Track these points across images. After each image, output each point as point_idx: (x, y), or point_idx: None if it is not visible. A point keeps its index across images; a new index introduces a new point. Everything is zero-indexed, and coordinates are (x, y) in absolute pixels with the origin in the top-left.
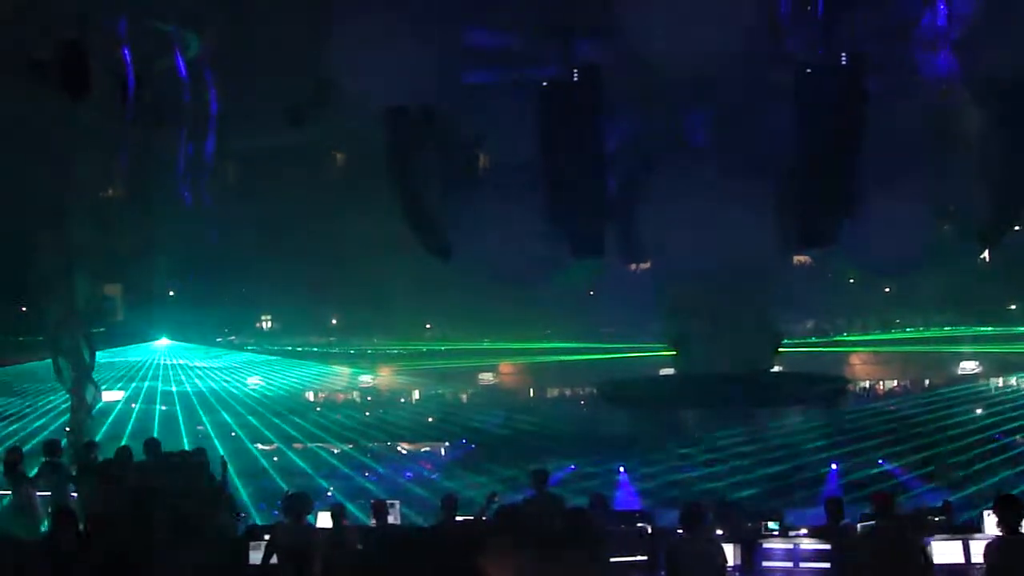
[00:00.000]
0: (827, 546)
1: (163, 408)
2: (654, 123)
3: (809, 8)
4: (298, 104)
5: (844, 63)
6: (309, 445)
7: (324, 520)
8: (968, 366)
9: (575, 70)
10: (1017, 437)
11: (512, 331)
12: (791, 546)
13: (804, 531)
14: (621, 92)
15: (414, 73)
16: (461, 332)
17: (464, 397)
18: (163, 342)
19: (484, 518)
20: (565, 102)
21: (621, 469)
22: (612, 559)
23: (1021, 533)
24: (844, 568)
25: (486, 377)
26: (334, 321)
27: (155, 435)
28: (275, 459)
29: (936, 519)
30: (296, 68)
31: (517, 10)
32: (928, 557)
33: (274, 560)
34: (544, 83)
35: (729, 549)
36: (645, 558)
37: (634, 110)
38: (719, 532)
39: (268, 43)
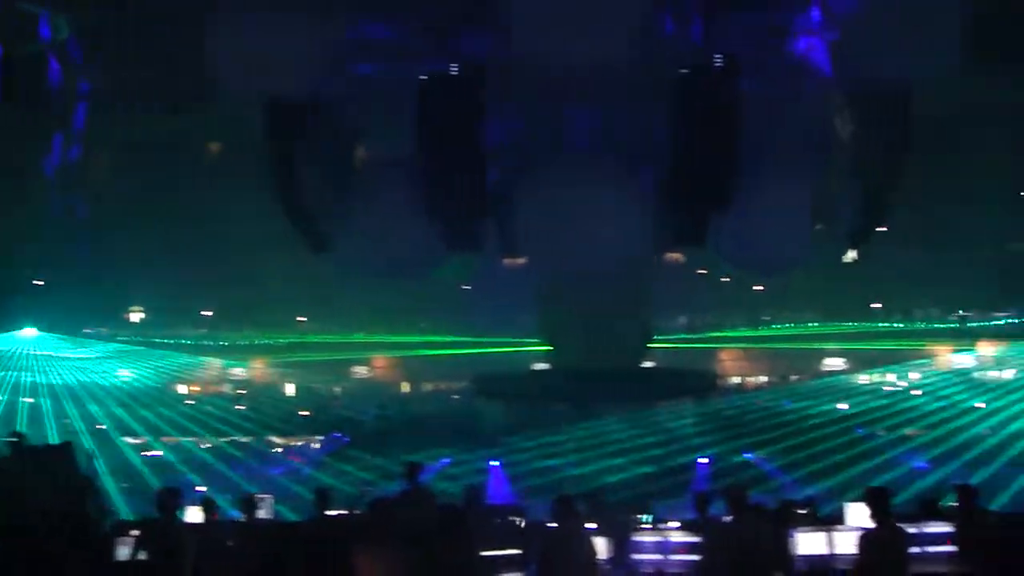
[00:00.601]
0: (696, 539)
1: (29, 401)
2: (533, 120)
3: (687, 10)
4: (175, 92)
5: (720, 64)
6: (180, 439)
7: (194, 515)
8: (833, 362)
9: (456, 65)
10: (878, 430)
11: (387, 324)
12: (661, 539)
13: (674, 524)
14: (502, 88)
15: (294, 63)
16: (335, 325)
17: (338, 390)
18: (30, 332)
19: (356, 512)
20: (445, 97)
21: (494, 463)
22: (484, 553)
23: (891, 523)
24: (703, 565)
25: (360, 370)
26: (206, 313)
27: (21, 428)
28: (144, 453)
29: (801, 512)
30: (174, 55)
31: (401, 2)
32: (788, 550)
33: (142, 556)
34: (424, 77)
35: (600, 542)
36: (518, 552)
37: (514, 107)
38: (590, 525)
39: (146, 28)
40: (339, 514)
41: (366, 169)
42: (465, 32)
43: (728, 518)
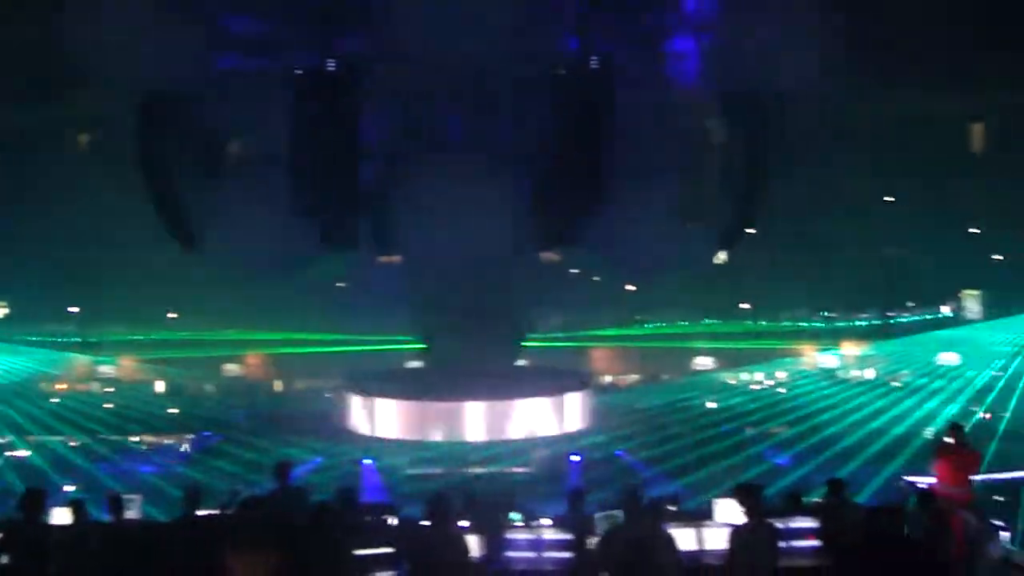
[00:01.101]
0: (569, 536)
1: None
2: (409, 119)
3: (563, 12)
4: (44, 83)
5: (595, 66)
6: (45, 438)
7: (61, 516)
8: (703, 361)
9: (332, 60)
10: (746, 427)
11: (260, 322)
12: (534, 536)
13: (547, 521)
14: (378, 86)
15: (166, 57)
16: (206, 322)
17: (209, 388)
18: None
19: (227, 512)
20: (320, 92)
21: (366, 461)
22: (357, 552)
23: (761, 518)
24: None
25: (232, 368)
26: (73, 309)
27: None
28: (7, 453)
29: (671, 508)
30: (43, 47)
31: None
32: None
33: (5, 560)
34: (299, 72)
35: (473, 540)
36: (390, 551)
37: (390, 104)
38: (463, 523)
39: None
40: (209, 514)
41: (238, 165)
42: (341, 29)
43: (600, 515)
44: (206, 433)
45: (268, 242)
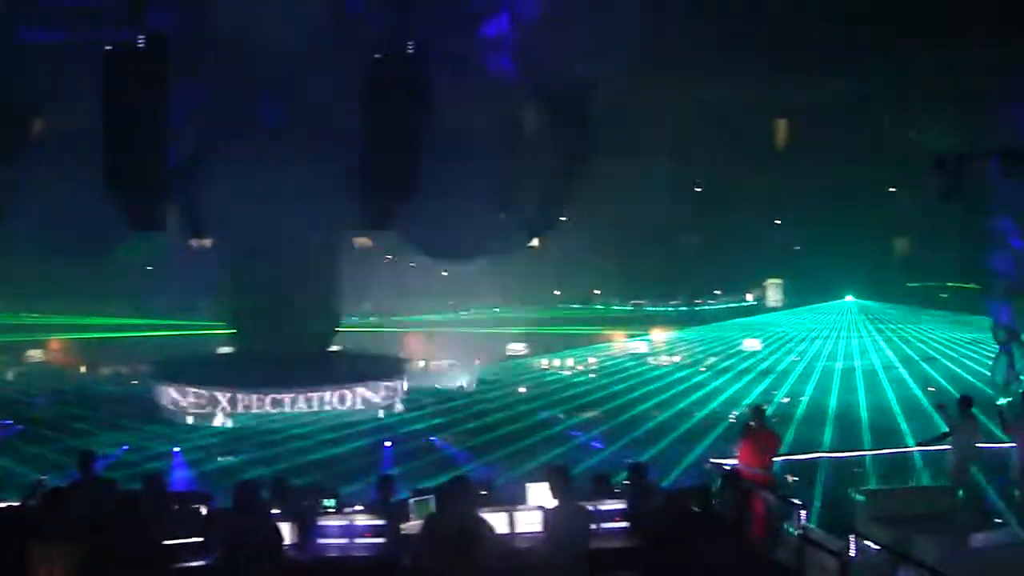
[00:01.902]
0: (381, 522)
1: None
2: (224, 99)
3: None
4: None
5: (412, 51)
6: None
7: None
8: (516, 347)
9: (142, 36)
10: (559, 413)
11: (63, 305)
12: (346, 523)
13: (359, 508)
14: (192, 64)
15: None
16: (6, 305)
17: (9, 375)
18: None
19: (29, 504)
20: (129, 69)
21: (176, 449)
22: (166, 542)
23: (572, 500)
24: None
25: (34, 354)
26: None
27: None
28: None
29: (484, 492)
30: None
31: None
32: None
33: None
34: (108, 47)
35: (285, 527)
36: (200, 540)
37: (204, 83)
38: (275, 511)
39: None
40: (10, 506)
41: (41, 141)
42: (153, 3)
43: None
44: (7, 421)
45: (72, 221)
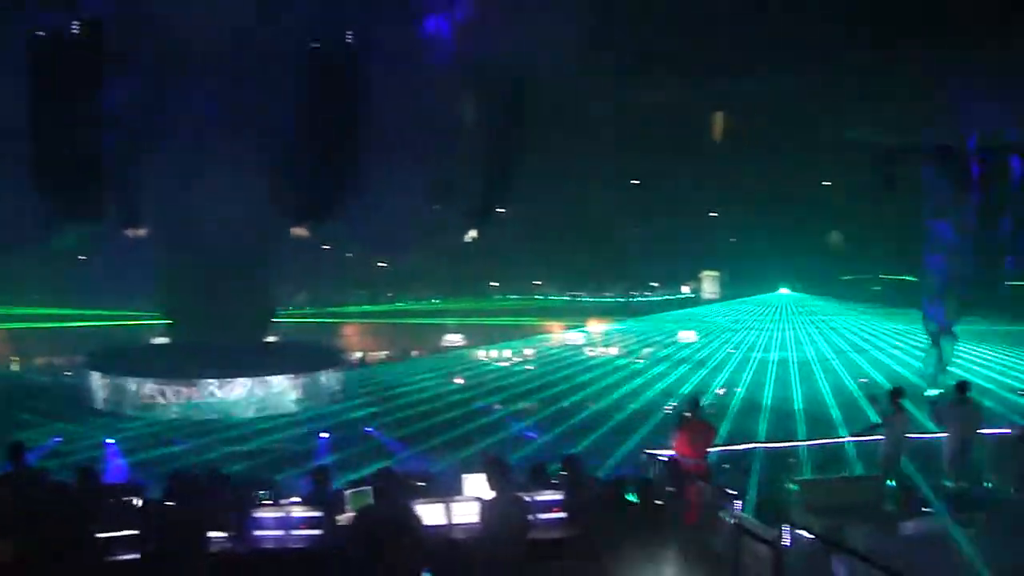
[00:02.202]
0: (318, 513)
1: None
2: (157, 88)
3: None
4: None
5: (349, 42)
6: None
7: None
8: (453, 338)
9: (76, 22)
10: (493, 403)
11: None
12: (282, 514)
13: (295, 499)
14: (127, 53)
15: None
16: None
17: None
18: None
19: None
20: (61, 57)
21: (109, 440)
22: (99, 535)
23: (510, 491)
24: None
25: None
26: None
27: None
28: None
29: (421, 483)
30: None
31: None
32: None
33: None
34: (39, 33)
35: (220, 519)
36: (135, 532)
37: (139, 73)
38: (210, 502)
39: None
40: None
41: None
42: None
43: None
44: None
45: (6, 211)
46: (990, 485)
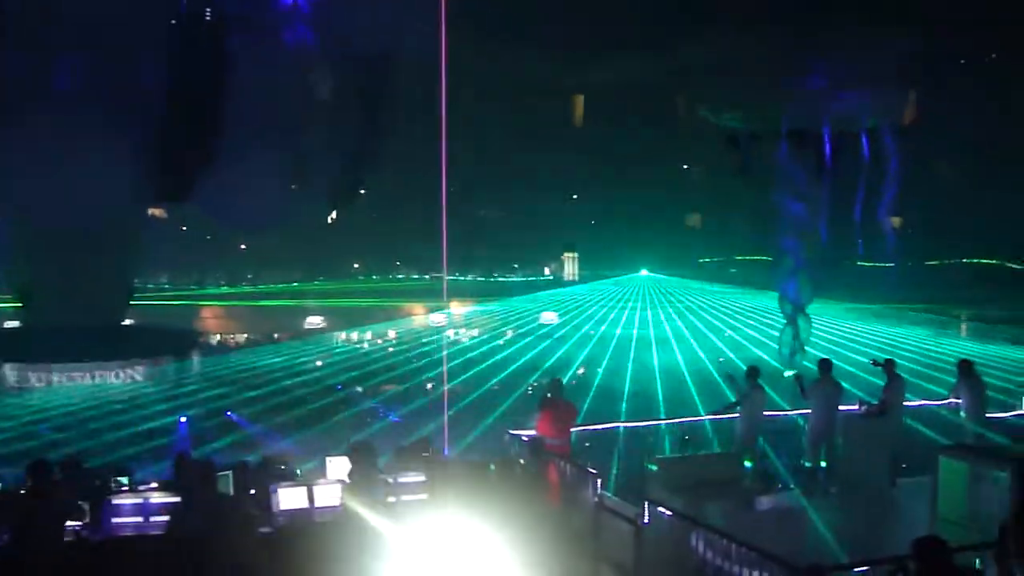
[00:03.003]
0: (176, 499)
1: None
2: (15, 65)
3: None
4: None
5: (209, 17)
6: None
7: None
8: (314, 320)
9: None
10: (357, 388)
11: None
12: (140, 501)
13: (153, 485)
14: None
15: None
16: None
17: None
18: None
19: None
20: None
21: None
22: None
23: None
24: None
25: None
26: None
27: None
28: None
29: (281, 467)
30: None
31: None
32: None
33: None
34: None
35: (77, 506)
36: None
37: None
38: (67, 490)
39: None
40: None
41: None
42: None
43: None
44: None
45: None
46: (842, 462)
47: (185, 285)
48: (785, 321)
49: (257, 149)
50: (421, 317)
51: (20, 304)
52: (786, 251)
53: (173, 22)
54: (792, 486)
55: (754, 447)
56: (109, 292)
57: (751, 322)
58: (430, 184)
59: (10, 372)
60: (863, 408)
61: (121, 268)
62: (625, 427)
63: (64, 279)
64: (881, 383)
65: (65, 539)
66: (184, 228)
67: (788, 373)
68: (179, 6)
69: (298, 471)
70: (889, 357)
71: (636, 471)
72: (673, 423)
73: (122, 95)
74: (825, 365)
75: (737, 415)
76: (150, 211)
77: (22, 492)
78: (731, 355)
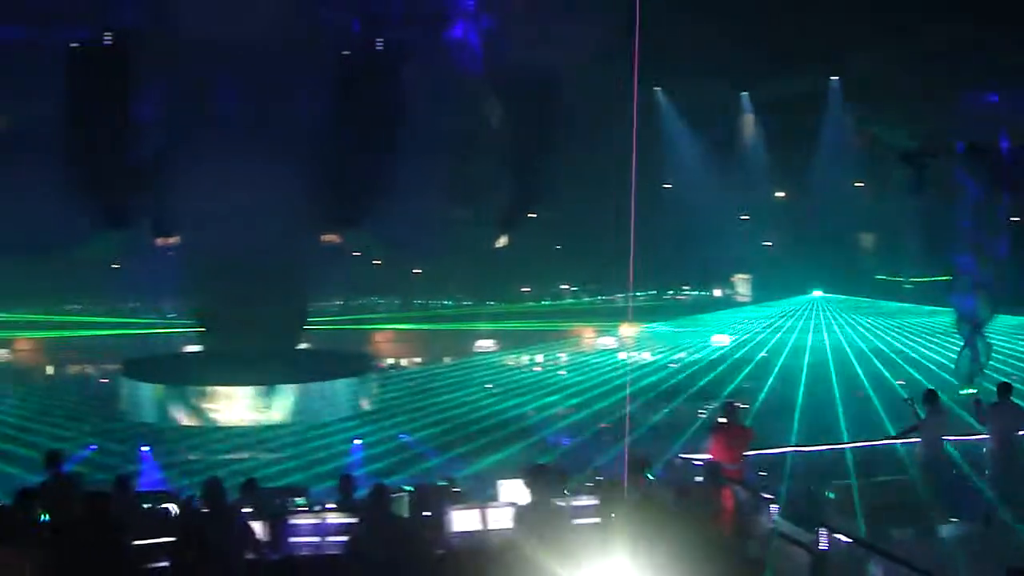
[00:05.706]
0: (354, 520)
1: None
2: (188, 96)
3: None
4: None
5: (380, 48)
6: None
7: None
8: (485, 344)
9: (108, 33)
10: (528, 410)
11: (29, 304)
12: (318, 521)
13: (330, 505)
14: (157, 60)
15: None
16: None
17: None
18: None
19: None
20: (94, 66)
21: (144, 448)
22: (136, 542)
23: (548, 499)
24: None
25: (0, 353)
26: None
27: None
28: None
29: (455, 489)
30: None
31: None
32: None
33: None
34: (74, 44)
35: (256, 526)
36: (172, 539)
37: (170, 81)
38: (245, 509)
39: None
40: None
41: (5, 139)
42: (119, 2)
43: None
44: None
45: (37, 219)
46: None
47: (358, 309)
48: (963, 341)
49: (429, 174)
50: (590, 340)
51: (201, 329)
52: (963, 270)
53: (345, 53)
54: (974, 514)
55: (935, 472)
56: (284, 317)
57: (930, 343)
58: (599, 209)
59: (194, 394)
60: None
61: (295, 293)
62: (798, 451)
63: (240, 305)
64: None
65: (246, 558)
66: (357, 253)
67: (964, 391)
68: (350, 37)
69: (469, 493)
70: None
71: (812, 496)
72: (849, 447)
73: (296, 125)
74: (1005, 388)
75: (917, 439)
76: (324, 238)
77: (202, 511)
78: (914, 374)
